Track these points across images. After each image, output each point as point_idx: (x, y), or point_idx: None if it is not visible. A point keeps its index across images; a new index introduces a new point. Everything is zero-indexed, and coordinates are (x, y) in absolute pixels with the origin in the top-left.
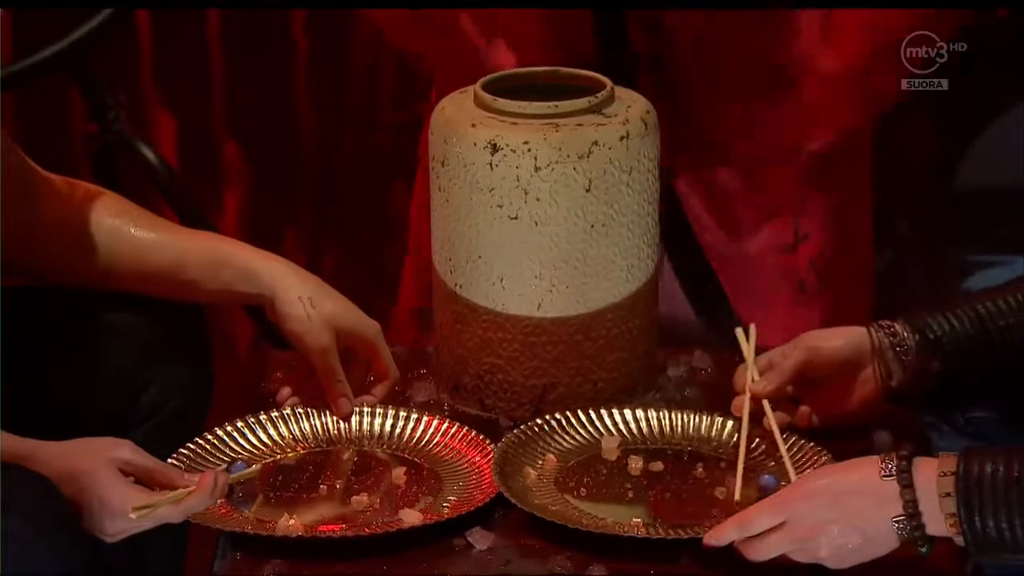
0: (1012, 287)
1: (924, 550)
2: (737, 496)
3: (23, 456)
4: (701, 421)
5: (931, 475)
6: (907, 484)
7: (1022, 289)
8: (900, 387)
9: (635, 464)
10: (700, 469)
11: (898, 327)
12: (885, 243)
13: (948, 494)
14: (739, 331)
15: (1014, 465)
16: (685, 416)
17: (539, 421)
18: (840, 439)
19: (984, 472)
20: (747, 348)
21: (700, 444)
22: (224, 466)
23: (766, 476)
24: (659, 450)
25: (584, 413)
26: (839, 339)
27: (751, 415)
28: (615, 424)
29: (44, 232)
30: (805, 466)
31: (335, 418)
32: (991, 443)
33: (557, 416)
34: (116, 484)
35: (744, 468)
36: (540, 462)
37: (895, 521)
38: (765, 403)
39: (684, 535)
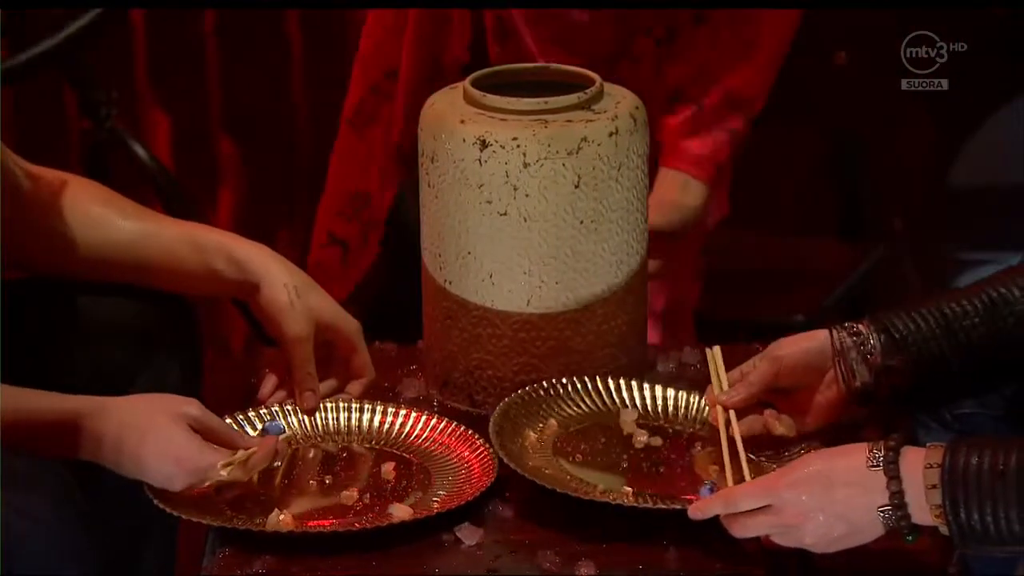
0: (978, 288)
1: (910, 539)
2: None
3: (92, 412)
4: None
5: (918, 466)
6: (893, 475)
7: (987, 291)
8: (865, 386)
9: (639, 437)
10: (698, 447)
11: (862, 327)
12: (877, 239)
13: (934, 486)
14: (708, 351)
15: (999, 458)
16: (692, 397)
17: (545, 384)
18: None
19: (970, 465)
20: (716, 364)
21: (704, 427)
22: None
23: (708, 486)
24: (661, 428)
25: (591, 381)
26: (802, 345)
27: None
28: (620, 396)
29: (30, 224)
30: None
31: (323, 414)
32: (978, 435)
33: (564, 381)
34: (191, 441)
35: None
36: (541, 426)
37: (881, 511)
38: (731, 413)
39: (669, 506)
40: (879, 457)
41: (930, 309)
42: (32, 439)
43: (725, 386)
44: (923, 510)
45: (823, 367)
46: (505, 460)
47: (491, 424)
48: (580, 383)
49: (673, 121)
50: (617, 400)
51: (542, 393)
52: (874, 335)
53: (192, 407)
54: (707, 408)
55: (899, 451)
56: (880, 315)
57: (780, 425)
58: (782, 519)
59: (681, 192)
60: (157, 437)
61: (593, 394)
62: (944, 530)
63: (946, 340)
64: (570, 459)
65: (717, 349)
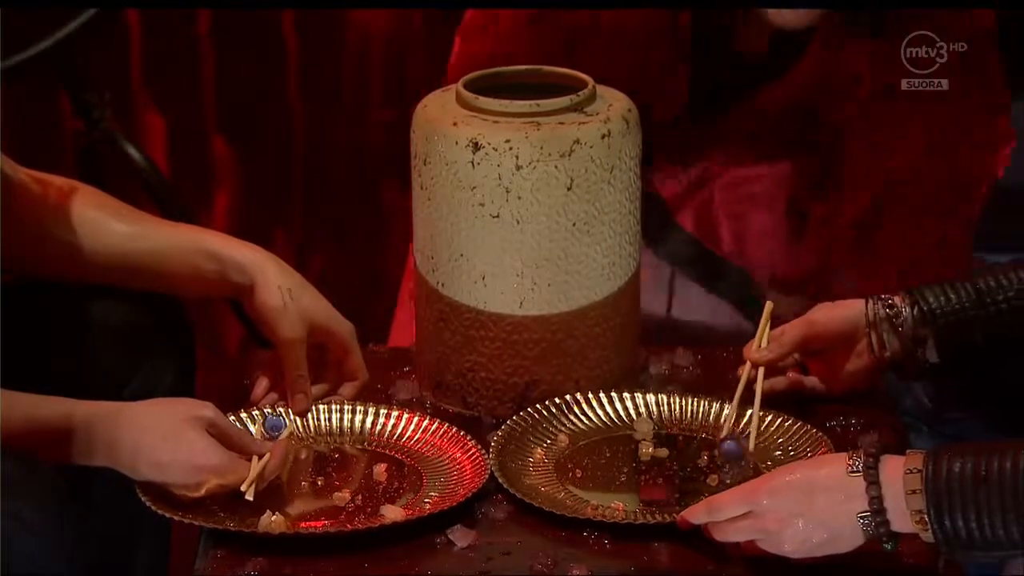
0: (1016, 266)
1: (889, 546)
2: (751, 446)
3: (106, 417)
4: (723, 409)
5: (897, 472)
6: (873, 480)
7: None
8: (895, 356)
9: (645, 449)
10: (704, 458)
11: (896, 300)
12: None
13: (915, 491)
14: (767, 303)
15: (981, 464)
16: (706, 403)
17: (557, 400)
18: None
19: (952, 472)
20: (765, 320)
21: (715, 432)
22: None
23: (729, 441)
24: (672, 436)
25: (606, 395)
26: (837, 312)
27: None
28: (636, 407)
29: (24, 227)
30: (805, 449)
31: (315, 415)
32: (959, 441)
33: (578, 396)
34: (210, 445)
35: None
36: (549, 441)
37: (860, 517)
38: (759, 371)
39: (657, 520)
40: (859, 464)
41: (964, 283)
42: (44, 446)
43: (765, 343)
44: (903, 516)
45: (855, 335)
46: (500, 480)
47: (494, 446)
48: (594, 397)
49: None
50: (633, 412)
51: (553, 410)
52: (907, 308)
53: (208, 410)
54: (714, 412)
55: (879, 457)
56: (915, 288)
57: (806, 384)
58: (762, 525)
59: None
60: (177, 442)
61: (607, 406)
62: (925, 536)
63: (975, 312)
64: (571, 474)
65: (769, 304)
